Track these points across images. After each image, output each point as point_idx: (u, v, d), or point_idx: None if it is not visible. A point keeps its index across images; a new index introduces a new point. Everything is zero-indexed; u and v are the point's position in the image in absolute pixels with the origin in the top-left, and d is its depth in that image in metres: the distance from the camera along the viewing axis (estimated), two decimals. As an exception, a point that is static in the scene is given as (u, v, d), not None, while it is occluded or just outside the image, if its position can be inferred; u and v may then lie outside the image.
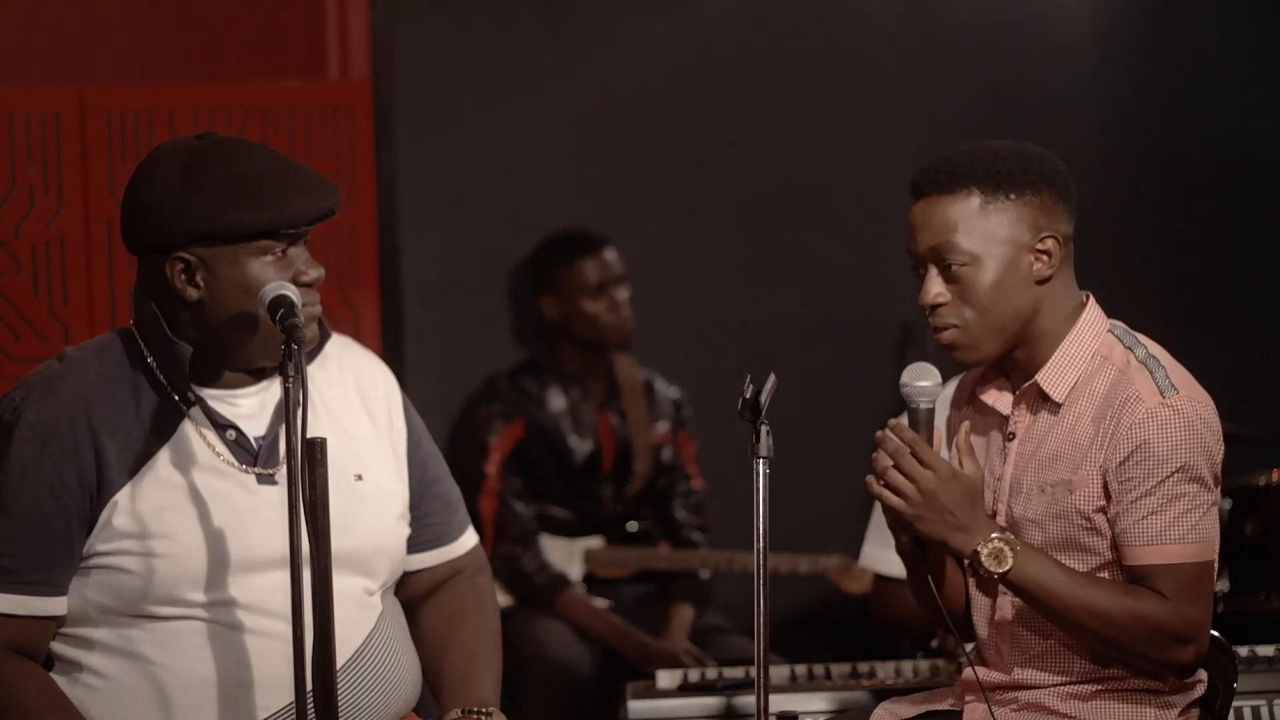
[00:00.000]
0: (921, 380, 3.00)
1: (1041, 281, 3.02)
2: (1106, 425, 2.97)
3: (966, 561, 2.97)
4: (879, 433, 2.99)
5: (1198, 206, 5.81)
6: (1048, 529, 3.01)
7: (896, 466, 2.96)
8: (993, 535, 2.93)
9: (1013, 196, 3.00)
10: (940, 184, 3.02)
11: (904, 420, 3.00)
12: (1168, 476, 2.92)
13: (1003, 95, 5.66)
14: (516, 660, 4.92)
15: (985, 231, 3.00)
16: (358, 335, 4.64)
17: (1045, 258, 3.02)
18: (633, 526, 5.28)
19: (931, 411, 3.00)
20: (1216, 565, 3.05)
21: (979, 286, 2.99)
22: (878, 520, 4.33)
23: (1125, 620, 2.92)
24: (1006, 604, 3.08)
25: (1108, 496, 2.97)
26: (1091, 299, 3.08)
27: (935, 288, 3.02)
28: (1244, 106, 5.78)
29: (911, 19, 5.73)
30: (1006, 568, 2.93)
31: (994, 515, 3.05)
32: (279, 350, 2.83)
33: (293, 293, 2.91)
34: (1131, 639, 2.93)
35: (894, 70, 5.70)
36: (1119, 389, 2.98)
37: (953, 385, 4.11)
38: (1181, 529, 2.93)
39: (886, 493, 2.96)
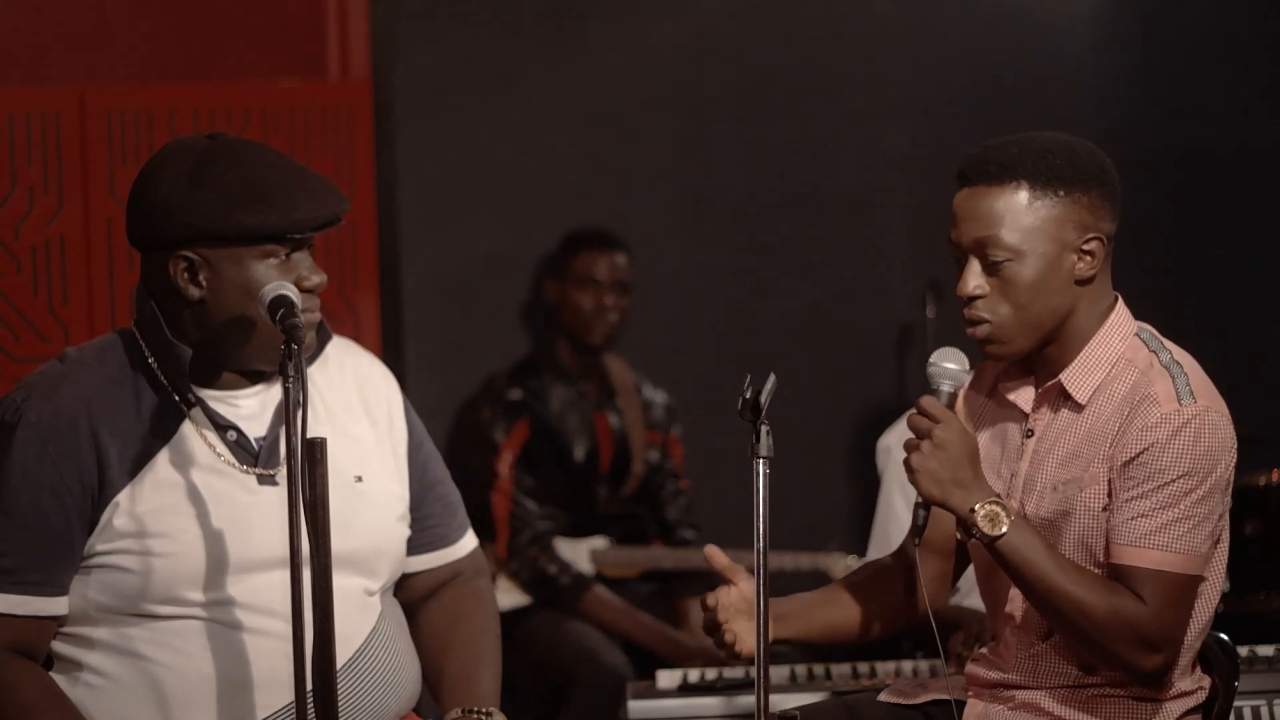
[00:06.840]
0: (947, 362, 2.97)
1: (1082, 282, 2.98)
2: (1121, 424, 2.94)
3: (962, 523, 2.93)
4: (910, 413, 2.97)
5: (1197, 205, 5.80)
6: (1058, 527, 2.99)
7: (912, 426, 2.94)
8: (990, 498, 2.90)
9: (1061, 193, 2.96)
10: (989, 174, 2.95)
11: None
12: (1167, 483, 2.90)
13: (1002, 94, 5.65)
14: (561, 666, 4.91)
15: (1031, 227, 2.94)
16: (358, 336, 4.64)
17: (1089, 258, 2.98)
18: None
19: (954, 395, 2.97)
20: (1221, 581, 3.04)
21: (1020, 283, 2.95)
22: (880, 528, 4.32)
23: (1101, 615, 2.89)
24: (1018, 598, 3.05)
25: (1112, 494, 2.95)
26: (1120, 300, 3.05)
27: (975, 280, 2.97)
28: (1243, 103, 5.78)
29: (910, 18, 5.72)
30: (1000, 532, 2.88)
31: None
32: (276, 354, 2.83)
33: (293, 293, 2.90)
34: (1103, 635, 2.90)
35: (894, 70, 5.70)
36: (1138, 389, 2.95)
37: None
38: (1168, 536, 2.90)
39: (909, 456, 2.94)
